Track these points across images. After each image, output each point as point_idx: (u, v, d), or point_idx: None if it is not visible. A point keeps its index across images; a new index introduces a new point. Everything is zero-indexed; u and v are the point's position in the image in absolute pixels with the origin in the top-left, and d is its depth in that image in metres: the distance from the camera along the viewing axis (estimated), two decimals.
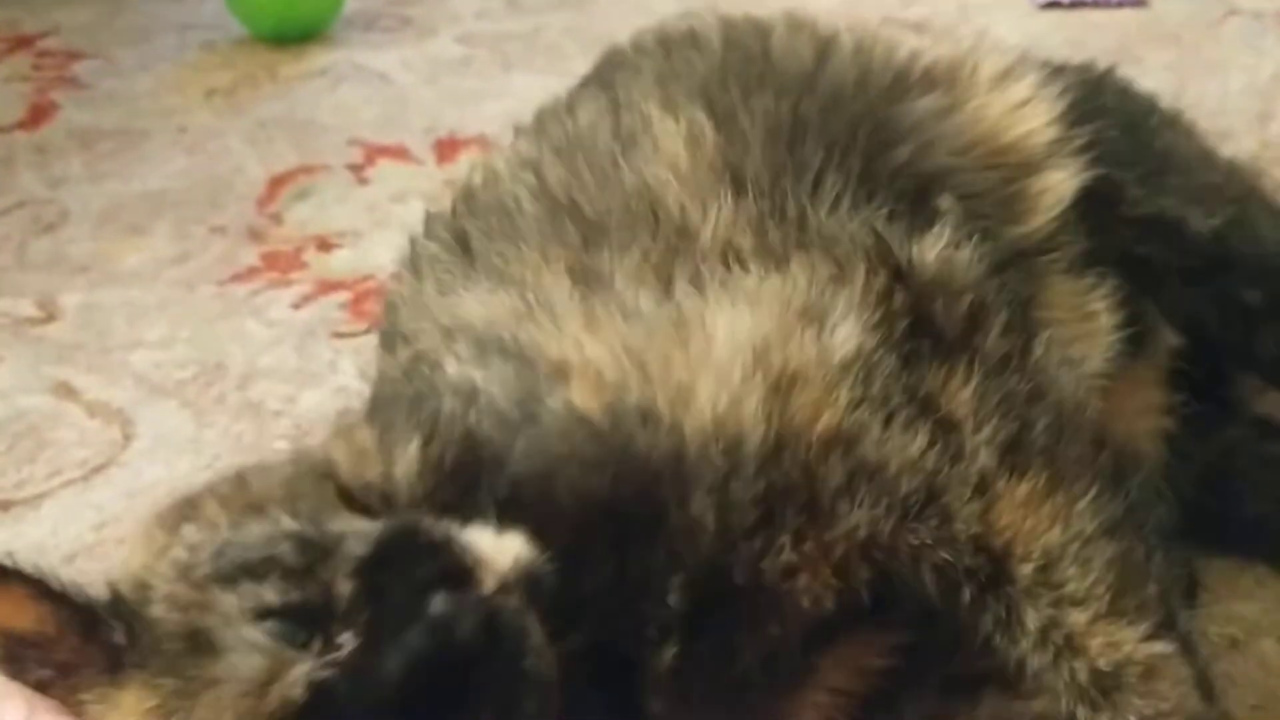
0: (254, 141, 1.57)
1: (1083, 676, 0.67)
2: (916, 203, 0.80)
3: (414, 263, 0.87)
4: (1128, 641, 0.67)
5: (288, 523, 0.63)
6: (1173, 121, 1.01)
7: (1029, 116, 0.89)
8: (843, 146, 0.82)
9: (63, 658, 0.62)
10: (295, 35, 1.82)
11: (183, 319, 1.24)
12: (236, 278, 1.31)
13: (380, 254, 1.33)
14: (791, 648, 0.68)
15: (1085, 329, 0.87)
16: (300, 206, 1.43)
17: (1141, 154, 0.92)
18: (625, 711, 0.66)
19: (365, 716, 0.57)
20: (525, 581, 0.60)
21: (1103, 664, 0.67)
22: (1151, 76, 1.59)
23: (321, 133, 1.59)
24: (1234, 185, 0.98)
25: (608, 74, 0.96)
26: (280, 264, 1.32)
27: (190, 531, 0.66)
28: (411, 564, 0.59)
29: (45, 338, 1.24)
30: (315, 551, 0.61)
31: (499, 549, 0.61)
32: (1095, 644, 0.67)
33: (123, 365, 1.18)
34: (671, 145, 0.82)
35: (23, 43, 1.89)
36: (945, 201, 0.81)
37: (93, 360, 1.20)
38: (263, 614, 0.59)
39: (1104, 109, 0.92)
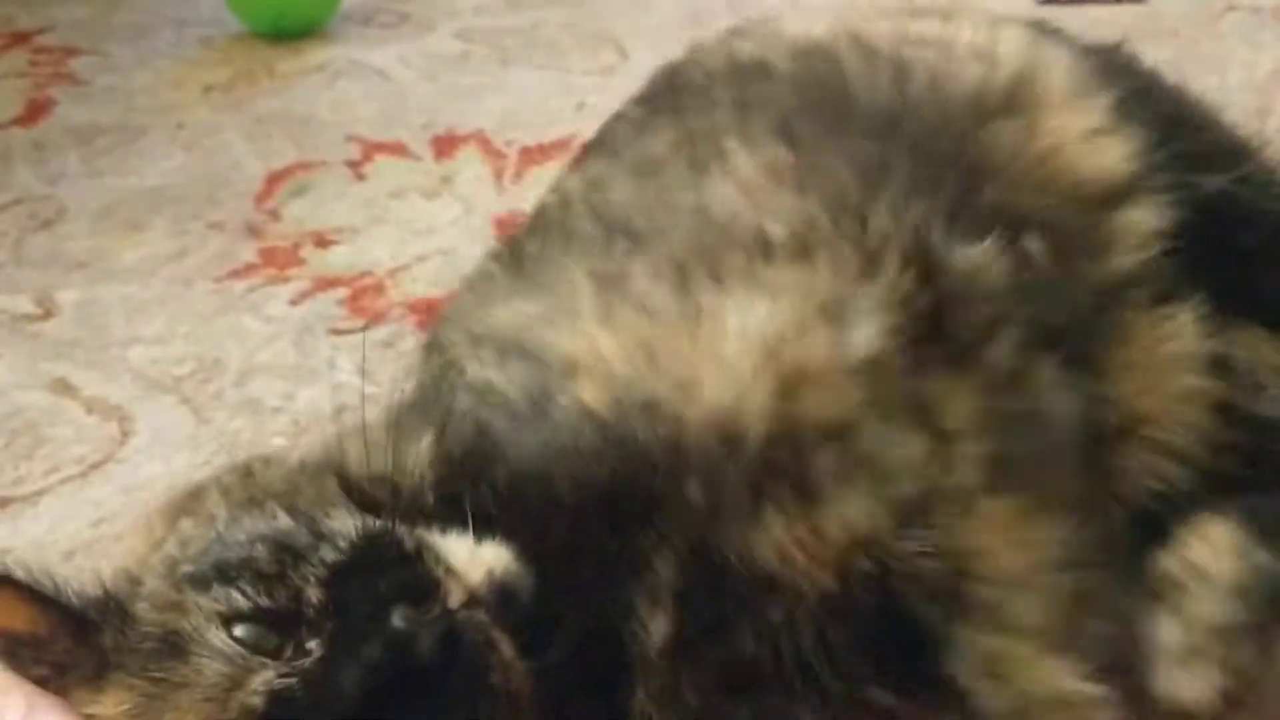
0: (252, 138, 1.57)
1: (1002, 705, 0.66)
2: (1005, 240, 0.78)
3: (470, 279, 0.89)
4: (1059, 677, 0.67)
5: (282, 519, 0.63)
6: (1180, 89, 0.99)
7: (1106, 149, 0.87)
8: (930, 188, 0.80)
9: (55, 658, 0.62)
10: (293, 31, 1.82)
11: (180, 315, 1.24)
12: (234, 274, 1.30)
13: (378, 250, 1.33)
14: (799, 639, 0.66)
15: (1167, 352, 0.83)
16: (298, 203, 1.43)
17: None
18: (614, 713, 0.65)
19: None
20: (498, 594, 0.60)
21: (1025, 695, 0.66)
22: None
23: (319, 129, 1.58)
24: (1234, 141, 0.97)
25: (678, 100, 0.94)
26: (278, 260, 1.32)
27: (187, 525, 0.66)
28: (379, 573, 0.59)
29: (42, 334, 1.24)
30: (290, 555, 0.60)
31: (473, 560, 0.61)
32: (1025, 675, 0.66)
33: (120, 361, 1.18)
34: (748, 170, 0.81)
35: (19, 39, 1.89)
36: (1032, 243, 0.79)
37: (90, 356, 1.19)
38: (234, 618, 0.59)
39: (1179, 131, 0.89)
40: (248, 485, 0.68)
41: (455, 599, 0.59)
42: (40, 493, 1.03)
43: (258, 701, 0.57)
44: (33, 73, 1.79)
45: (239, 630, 0.59)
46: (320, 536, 0.61)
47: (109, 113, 1.66)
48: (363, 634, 0.57)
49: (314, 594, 0.59)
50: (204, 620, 0.59)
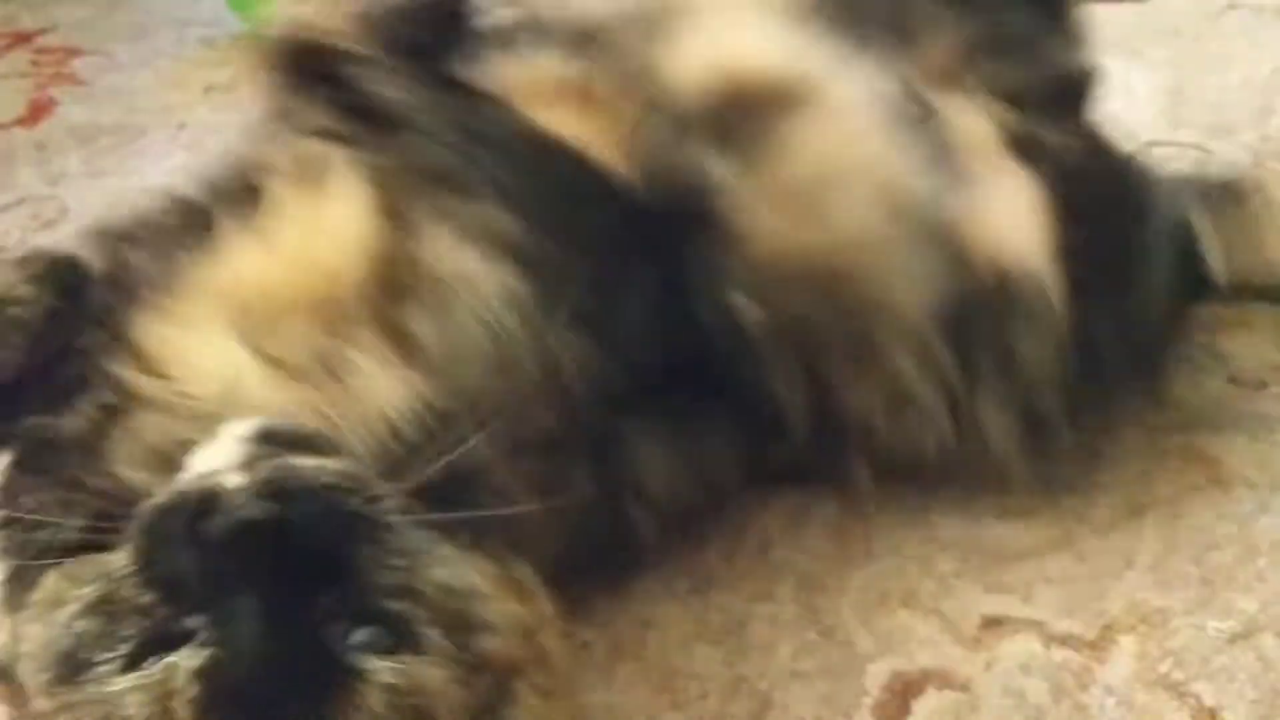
0: None
1: None
2: None
3: None
4: None
5: (65, 592, 0.62)
6: None
7: None
8: None
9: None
10: None
11: None
12: None
13: None
14: None
15: None
16: None
17: None
18: None
19: (268, 654, 0.56)
20: (264, 441, 0.61)
21: None
22: (1152, 70, 1.59)
23: None
24: None
25: None
26: None
27: None
28: (167, 533, 0.59)
29: None
30: (102, 603, 0.60)
31: (216, 454, 0.61)
32: None
33: None
34: None
35: (21, 39, 1.89)
36: None
37: None
38: (119, 672, 0.58)
39: None
40: (14, 599, 0.67)
41: (235, 480, 0.59)
42: None
43: (195, 690, 0.56)
44: (34, 73, 1.79)
45: (135, 670, 0.58)
46: (106, 571, 0.61)
47: (110, 113, 1.66)
48: (205, 570, 0.57)
49: (146, 598, 0.59)
50: (101, 690, 0.58)
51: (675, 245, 0.84)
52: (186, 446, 0.64)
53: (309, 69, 0.87)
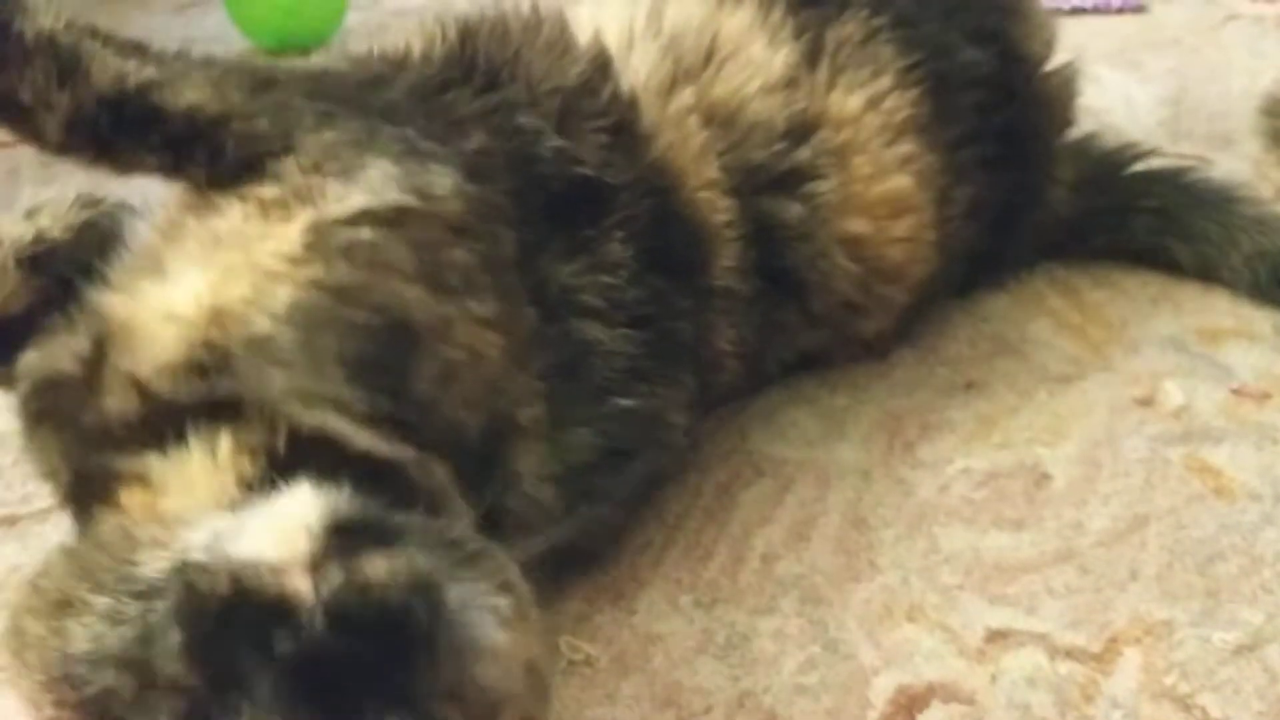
0: None
1: None
2: None
3: None
4: None
5: (95, 627, 0.60)
6: None
7: None
8: None
9: None
10: (298, 46, 1.82)
11: None
12: None
13: None
14: None
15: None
16: None
17: None
18: None
19: None
20: (336, 540, 0.58)
21: None
22: (1152, 81, 1.59)
23: None
24: None
25: None
26: None
27: (27, 658, 0.64)
28: (226, 634, 0.57)
29: None
30: (138, 667, 0.59)
31: (286, 538, 0.58)
32: None
33: None
34: None
35: None
36: None
37: None
38: None
39: None
40: (45, 595, 0.65)
41: (305, 588, 0.56)
42: (48, 510, 1.03)
43: None
44: None
45: None
46: (148, 636, 0.59)
47: None
48: (271, 684, 0.55)
49: (190, 680, 0.57)
50: None
51: None
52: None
53: None
